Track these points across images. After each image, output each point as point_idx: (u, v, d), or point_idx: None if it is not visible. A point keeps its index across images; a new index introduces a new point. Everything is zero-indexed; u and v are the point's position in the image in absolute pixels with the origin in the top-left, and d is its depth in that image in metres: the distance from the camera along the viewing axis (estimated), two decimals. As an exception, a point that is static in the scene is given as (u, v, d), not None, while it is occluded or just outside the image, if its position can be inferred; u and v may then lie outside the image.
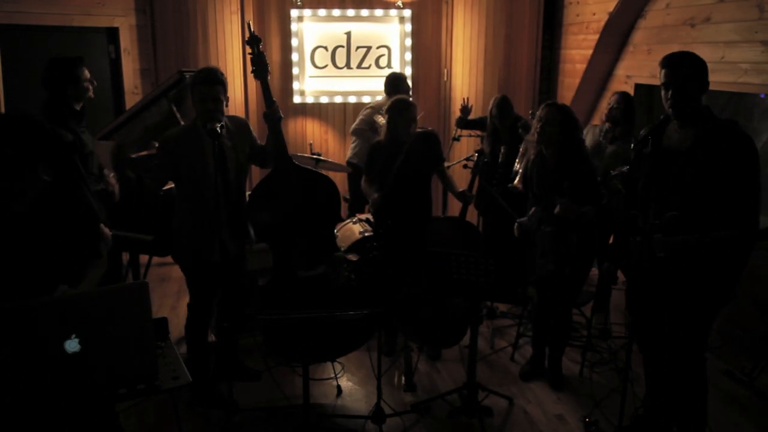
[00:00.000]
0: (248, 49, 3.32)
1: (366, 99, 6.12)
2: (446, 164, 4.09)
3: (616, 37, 5.35)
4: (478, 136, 5.09)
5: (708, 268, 2.65)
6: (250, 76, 3.50)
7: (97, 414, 2.25)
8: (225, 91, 3.14)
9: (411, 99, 3.94)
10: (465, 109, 5.06)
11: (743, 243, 2.61)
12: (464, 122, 5.09)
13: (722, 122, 2.68)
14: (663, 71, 2.69)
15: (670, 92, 2.66)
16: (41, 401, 1.99)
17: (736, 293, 2.71)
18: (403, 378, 3.79)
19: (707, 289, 2.69)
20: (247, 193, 3.52)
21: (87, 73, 3.39)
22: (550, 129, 3.37)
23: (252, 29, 3.34)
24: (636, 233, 2.68)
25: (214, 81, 3.08)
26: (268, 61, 3.34)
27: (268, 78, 3.35)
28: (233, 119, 3.34)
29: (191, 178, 3.15)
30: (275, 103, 3.36)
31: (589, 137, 4.65)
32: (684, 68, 2.64)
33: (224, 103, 3.13)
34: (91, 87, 3.42)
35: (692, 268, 2.68)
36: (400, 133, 3.75)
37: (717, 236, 2.56)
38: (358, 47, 6.17)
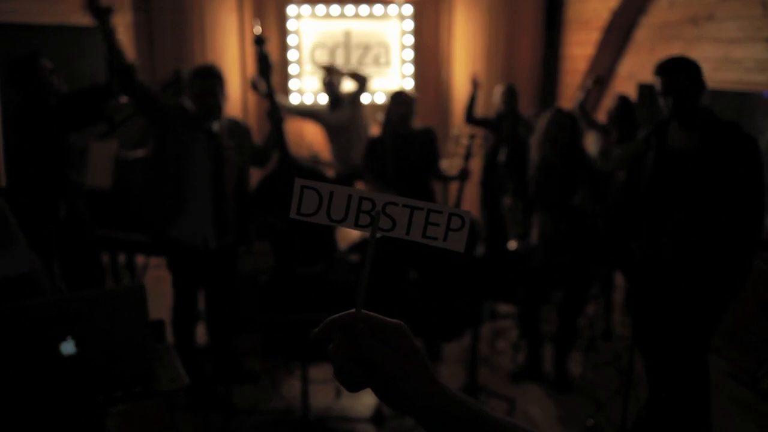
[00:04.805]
0: (255, 48, 3.34)
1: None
2: (445, 161, 4.04)
3: (618, 35, 5.31)
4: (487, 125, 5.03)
5: (713, 268, 2.65)
6: (248, 76, 3.50)
7: (84, 420, 2.22)
8: (222, 85, 3.11)
9: (406, 92, 3.87)
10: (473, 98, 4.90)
11: (749, 243, 2.61)
12: (474, 120, 5.00)
13: (725, 124, 2.69)
14: (659, 79, 2.68)
15: (669, 100, 2.67)
16: (36, 403, 1.96)
17: (740, 291, 2.69)
18: None
19: (712, 288, 2.68)
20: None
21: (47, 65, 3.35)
22: (563, 135, 3.42)
23: (261, 29, 3.35)
24: (641, 237, 2.66)
25: (210, 75, 3.07)
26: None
27: (271, 77, 3.35)
28: (235, 122, 3.35)
29: (179, 166, 3.10)
30: (278, 103, 3.36)
31: (591, 139, 4.61)
32: (680, 75, 2.63)
33: (222, 98, 3.11)
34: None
35: (697, 269, 2.67)
36: (395, 128, 3.71)
37: (727, 244, 2.57)
38: (357, 45, 6.13)
